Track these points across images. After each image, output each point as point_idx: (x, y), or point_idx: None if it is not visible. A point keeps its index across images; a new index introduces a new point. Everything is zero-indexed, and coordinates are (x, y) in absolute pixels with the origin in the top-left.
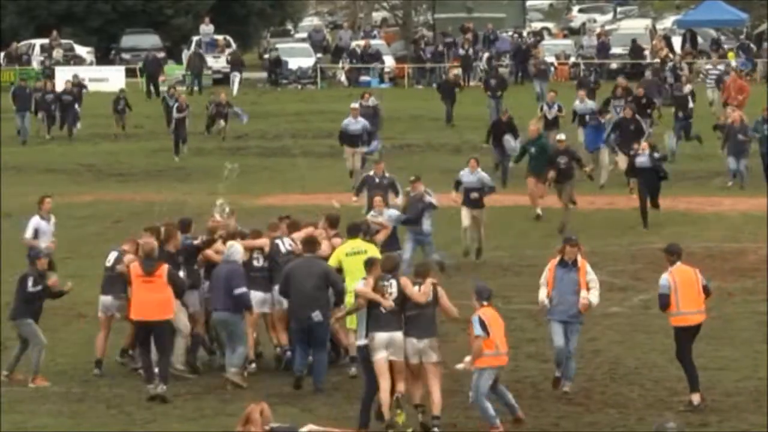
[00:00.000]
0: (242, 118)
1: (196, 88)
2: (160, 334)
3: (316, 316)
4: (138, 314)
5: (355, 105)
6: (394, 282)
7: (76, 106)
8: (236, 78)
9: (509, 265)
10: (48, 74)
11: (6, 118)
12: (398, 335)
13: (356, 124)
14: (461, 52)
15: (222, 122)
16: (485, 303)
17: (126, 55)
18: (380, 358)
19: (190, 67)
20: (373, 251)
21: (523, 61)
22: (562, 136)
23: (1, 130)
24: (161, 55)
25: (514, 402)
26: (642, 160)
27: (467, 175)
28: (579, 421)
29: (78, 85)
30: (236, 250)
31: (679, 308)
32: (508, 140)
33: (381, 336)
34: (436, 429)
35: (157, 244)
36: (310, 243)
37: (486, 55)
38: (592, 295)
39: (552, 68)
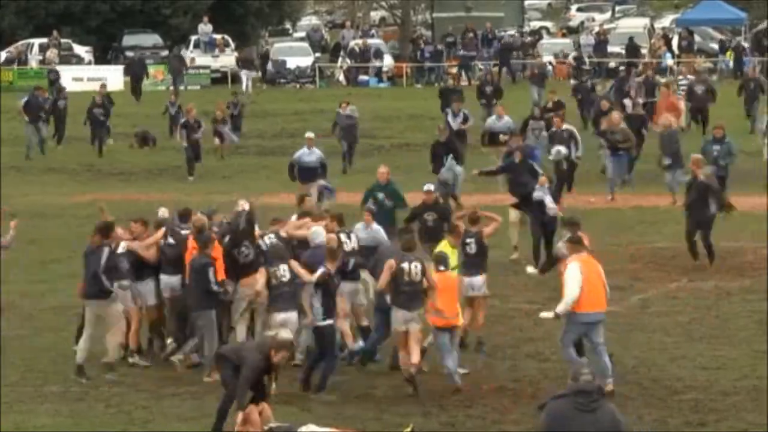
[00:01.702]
0: (232, 139)
1: (180, 88)
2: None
3: None
4: None
5: (311, 135)
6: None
7: (107, 121)
8: (246, 76)
9: (509, 264)
10: (53, 78)
11: (6, 118)
12: (292, 315)
13: (311, 155)
14: (461, 52)
15: (217, 140)
16: (441, 269)
17: (130, 53)
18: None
19: (170, 69)
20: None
21: (508, 61)
22: (430, 187)
23: (1, 130)
24: (164, 53)
25: (455, 370)
26: (539, 194)
27: (360, 231)
28: None
29: (107, 97)
30: (321, 232)
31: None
32: (451, 164)
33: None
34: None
35: (207, 220)
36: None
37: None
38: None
39: (550, 67)
